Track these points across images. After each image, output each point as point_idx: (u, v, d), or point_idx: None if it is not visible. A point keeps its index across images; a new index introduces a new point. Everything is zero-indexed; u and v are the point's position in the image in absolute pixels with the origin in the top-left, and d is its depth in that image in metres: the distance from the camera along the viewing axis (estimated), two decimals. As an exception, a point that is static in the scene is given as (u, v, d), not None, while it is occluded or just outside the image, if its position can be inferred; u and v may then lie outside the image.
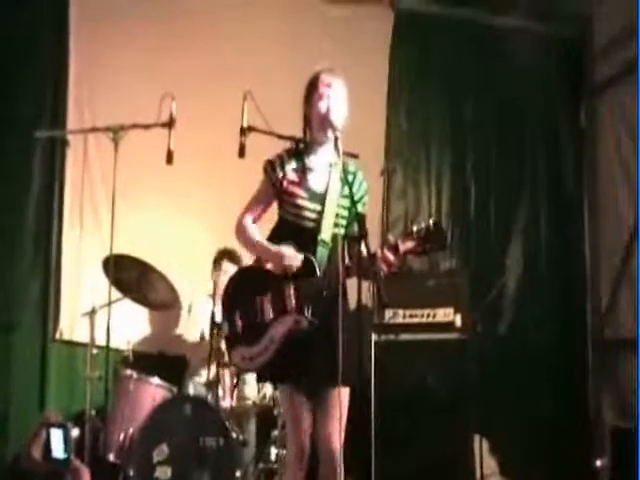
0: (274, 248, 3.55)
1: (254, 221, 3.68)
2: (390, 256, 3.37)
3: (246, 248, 3.74)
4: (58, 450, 2.38)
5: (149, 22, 6.10)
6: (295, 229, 3.60)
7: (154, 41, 6.08)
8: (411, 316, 5.31)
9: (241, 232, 3.67)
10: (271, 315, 3.53)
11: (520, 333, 6.20)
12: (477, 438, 5.21)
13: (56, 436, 2.39)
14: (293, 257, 3.49)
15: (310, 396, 3.54)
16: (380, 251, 3.37)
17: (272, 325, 3.52)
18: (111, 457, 4.87)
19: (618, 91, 6.40)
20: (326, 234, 3.56)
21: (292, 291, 3.49)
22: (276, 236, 3.67)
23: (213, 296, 5.10)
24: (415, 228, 3.39)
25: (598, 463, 4.99)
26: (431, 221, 3.40)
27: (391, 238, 3.42)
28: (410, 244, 3.39)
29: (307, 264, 3.50)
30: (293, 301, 3.49)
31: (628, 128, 6.17)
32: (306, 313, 3.47)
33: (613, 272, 6.26)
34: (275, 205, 3.70)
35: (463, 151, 6.64)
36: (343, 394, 3.51)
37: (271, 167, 3.64)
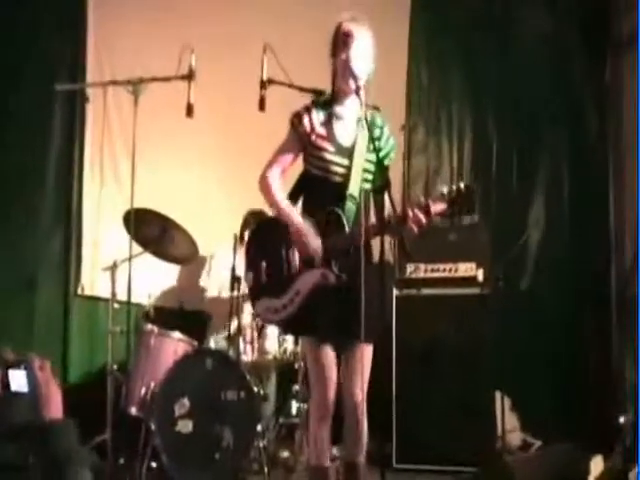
0: (299, 224, 3.49)
1: (280, 175, 3.62)
2: (421, 216, 3.34)
3: (268, 203, 3.67)
4: (20, 385, 2.35)
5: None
6: (321, 183, 3.56)
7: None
8: (433, 270, 5.28)
9: (266, 189, 3.60)
10: (298, 268, 3.51)
11: (542, 289, 6.16)
12: (498, 394, 5.19)
13: (15, 376, 2.36)
14: (316, 245, 3.46)
15: (334, 349, 3.54)
16: (411, 210, 3.34)
17: (299, 278, 3.50)
18: (133, 411, 4.91)
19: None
20: (354, 189, 3.52)
21: (319, 245, 3.47)
22: (300, 189, 3.64)
23: (234, 251, 5.09)
24: (446, 190, 3.35)
25: (621, 420, 4.96)
26: (462, 184, 3.35)
27: (422, 199, 3.38)
28: (441, 206, 3.35)
29: (335, 219, 3.47)
30: (321, 255, 3.47)
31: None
32: (334, 268, 3.45)
33: (637, 230, 6.19)
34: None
35: (485, 106, 6.55)
36: (366, 348, 3.53)
37: (298, 119, 3.58)
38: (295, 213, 3.56)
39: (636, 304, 5.40)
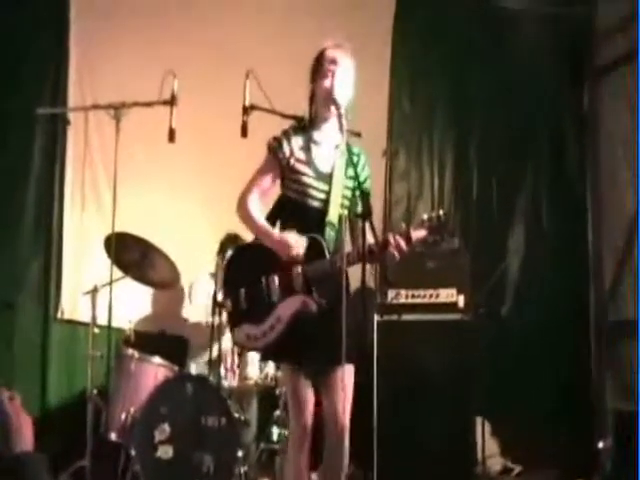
0: (278, 235, 3.52)
1: (259, 198, 3.63)
2: (402, 243, 3.37)
3: (247, 226, 3.68)
4: None
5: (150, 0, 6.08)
6: (300, 207, 3.58)
7: (155, 19, 6.06)
8: (414, 296, 5.28)
9: (243, 209, 3.61)
10: (278, 295, 3.51)
11: (522, 315, 6.19)
12: (479, 420, 5.20)
13: None
14: (300, 245, 3.47)
15: (314, 376, 3.55)
16: (392, 237, 3.37)
17: (279, 305, 3.50)
18: (113, 436, 4.88)
19: (621, 74, 6.35)
20: (334, 215, 3.56)
21: (300, 272, 3.48)
22: (277, 214, 3.66)
23: (215, 277, 5.08)
24: (426, 216, 3.40)
25: (600, 445, 4.99)
26: (441, 211, 3.42)
27: (403, 225, 3.43)
28: (422, 233, 3.40)
29: (315, 245, 3.48)
30: (301, 282, 3.47)
31: (629, 111, 6.13)
32: (314, 294, 3.46)
33: (616, 255, 6.24)
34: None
35: (466, 133, 6.60)
36: (347, 370, 3.53)
37: (278, 143, 3.60)
38: (273, 230, 3.56)
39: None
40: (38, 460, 2.21)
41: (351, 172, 3.54)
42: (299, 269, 3.48)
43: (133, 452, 4.67)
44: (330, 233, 3.55)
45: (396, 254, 3.37)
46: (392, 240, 3.37)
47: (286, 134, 3.63)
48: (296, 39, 5.80)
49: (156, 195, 5.90)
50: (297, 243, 3.47)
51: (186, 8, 6.09)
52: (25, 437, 2.22)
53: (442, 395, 5.07)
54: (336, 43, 3.67)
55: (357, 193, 3.52)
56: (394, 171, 6.45)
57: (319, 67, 3.61)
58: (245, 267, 3.63)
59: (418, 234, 3.40)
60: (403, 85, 6.57)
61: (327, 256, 3.48)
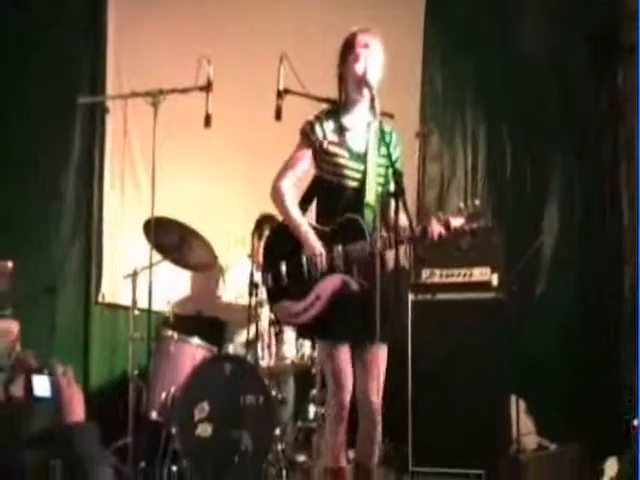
0: (310, 239, 3.56)
1: (292, 184, 3.68)
2: (442, 230, 3.49)
3: (279, 213, 3.75)
4: (43, 390, 2.43)
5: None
6: (336, 189, 3.63)
7: (190, 6, 6.12)
8: (447, 276, 5.33)
9: (277, 198, 3.67)
10: (319, 272, 3.56)
11: (556, 294, 6.21)
12: (513, 398, 5.23)
13: (39, 381, 2.43)
14: (320, 254, 3.54)
15: (350, 352, 3.61)
16: (429, 224, 3.49)
17: (319, 282, 3.56)
18: (153, 415, 4.99)
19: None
20: (371, 195, 3.61)
21: (341, 251, 3.54)
22: (313, 195, 3.72)
23: (252, 257, 5.16)
24: (462, 205, 3.53)
25: (635, 422, 5.00)
26: (477, 201, 3.52)
27: (441, 214, 3.55)
28: (459, 221, 3.52)
29: (354, 225, 3.55)
30: (342, 261, 3.53)
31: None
32: (354, 274, 3.52)
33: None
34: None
35: (498, 113, 6.61)
36: (381, 351, 3.60)
37: (310, 128, 3.65)
38: (306, 226, 3.61)
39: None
40: (89, 429, 2.32)
41: (384, 151, 3.58)
42: (340, 248, 3.54)
43: (173, 430, 4.77)
44: (368, 213, 3.60)
45: (436, 240, 3.49)
46: (433, 228, 3.47)
47: (318, 118, 3.67)
48: (329, 22, 5.83)
49: (193, 179, 5.98)
50: (317, 251, 3.54)
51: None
52: (77, 408, 2.33)
53: (476, 373, 5.12)
54: (366, 27, 3.71)
55: (389, 172, 3.57)
56: (427, 152, 6.48)
57: (349, 51, 3.65)
58: (286, 244, 3.64)
59: (456, 222, 3.51)
60: (435, 66, 6.58)
61: (367, 237, 3.53)
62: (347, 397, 3.59)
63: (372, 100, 3.55)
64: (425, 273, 5.34)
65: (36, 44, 5.80)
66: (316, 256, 3.52)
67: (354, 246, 3.53)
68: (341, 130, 3.67)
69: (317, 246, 3.54)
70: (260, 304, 5.07)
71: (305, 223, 3.62)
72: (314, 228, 3.61)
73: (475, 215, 3.50)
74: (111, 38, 6.03)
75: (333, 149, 3.64)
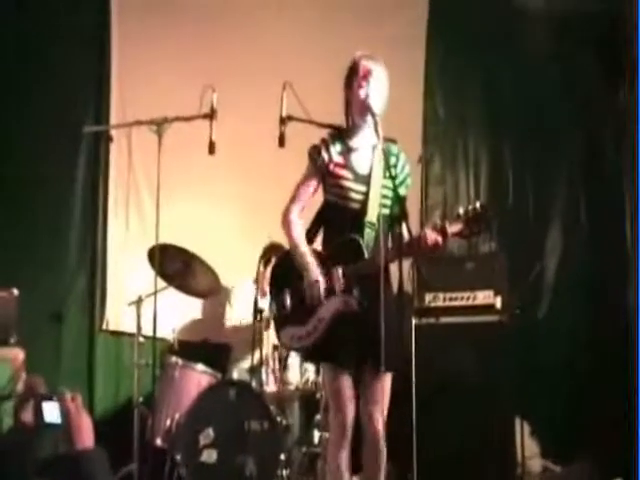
0: (310, 269, 3.61)
1: (301, 210, 3.75)
2: (438, 237, 3.46)
3: (288, 241, 3.80)
4: (53, 417, 2.45)
5: (188, 16, 6.20)
6: (340, 210, 3.68)
7: (193, 35, 6.18)
8: (451, 299, 5.33)
9: (287, 226, 3.74)
10: (319, 298, 3.59)
11: (559, 315, 6.20)
12: (518, 421, 5.23)
13: (48, 407, 2.46)
14: (318, 296, 3.58)
15: (354, 378, 3.62)
16: (425, 231, 3.47)
17: (321, 305, 3.59)
18: (158, 442, 4.99)
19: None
20: (372, 215, 3.64)
21: (340, 273, 3.57)
22: (321, 220, 3.77)
23: (256, 283, 5.18)
24: (462, 210, 3.48)
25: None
26: (478, 203, 3.49)
27: (438, 221, 3.51)
28: (457, 227, 3.49)
29: (353, 246, 3.57)
30: (342, 282, 3.56)
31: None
32: (355, 294, 3.54)
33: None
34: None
35: (500, 136, 6.62)
36: (386, 376, 3.61)
37: (317, 151, 3.71)
38: (309, 256, 3.65)
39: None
40: (99, 456, 2.33)
41: (389, 173, 3.60)
42: (340, 270, 3.57)
43: (178, 457, 4.77)
44: (370, 233, 3.62)
45: (432, 249, 3.48)
46: (428, 235, 3.46)
47: (324, 142, 3.74)
48: (331, 48, 5.87)
49: (197, 206, 6.02)
50: (314, 279, 3.57)
51: (223, 24, 6.21)
52: (85, 434, 2.34)
53: (480, 396, 5.11)
54: (369, 53, 3.76)
55: (393, 195, 3.61)
56: (430, 176, 6.50)
57: (353, 77, 3.71)
58: (289, 271, 3.70)
59: (453, 228, 3.50)
60: (437, 90, 6.61)
61: (366, 256, 3.56)
62: (348, 420, 3.60)
63: (375, 125, 3.58)
64: (428, 297, 5.34)
65: (40, 75, 5.86)
66: (315, 283, 3.55)
67: (354, 266, 3.56)
68: (347, 152, 3.72)
69: (316, 274, 3.58)
70: (266, 326, 5.08)
71: (308, 253, 3.67)
72: (318, 253, 3.66)
73: (475, 219, 3.49)
74: (115, 67, 6.09)
75: (338, 171, 3.70)
